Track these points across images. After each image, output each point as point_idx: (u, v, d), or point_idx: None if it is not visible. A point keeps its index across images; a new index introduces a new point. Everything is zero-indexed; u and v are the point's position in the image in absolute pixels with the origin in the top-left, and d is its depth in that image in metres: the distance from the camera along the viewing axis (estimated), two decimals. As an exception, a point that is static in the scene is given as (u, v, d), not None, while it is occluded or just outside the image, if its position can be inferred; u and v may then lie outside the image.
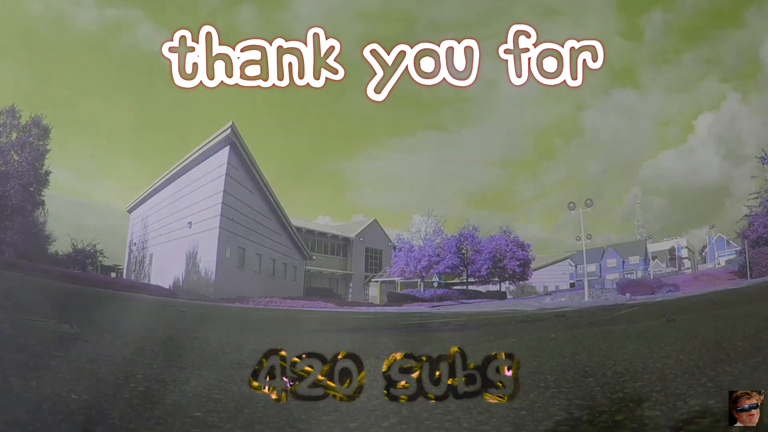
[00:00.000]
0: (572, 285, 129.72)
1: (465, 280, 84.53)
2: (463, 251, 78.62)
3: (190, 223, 41.39)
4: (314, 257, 70.97)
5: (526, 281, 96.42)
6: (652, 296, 46.26)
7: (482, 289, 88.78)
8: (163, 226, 49.38)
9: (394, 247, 75.85)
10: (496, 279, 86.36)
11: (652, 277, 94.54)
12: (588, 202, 49.98)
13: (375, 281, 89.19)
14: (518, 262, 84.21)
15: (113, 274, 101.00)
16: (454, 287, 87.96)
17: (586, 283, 50.99)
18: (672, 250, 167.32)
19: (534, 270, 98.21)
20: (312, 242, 78.34)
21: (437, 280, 62.57)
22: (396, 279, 79.43)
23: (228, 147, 38.77)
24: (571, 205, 50.56)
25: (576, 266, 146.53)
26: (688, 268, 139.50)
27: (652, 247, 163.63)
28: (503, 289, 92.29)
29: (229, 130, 37.88)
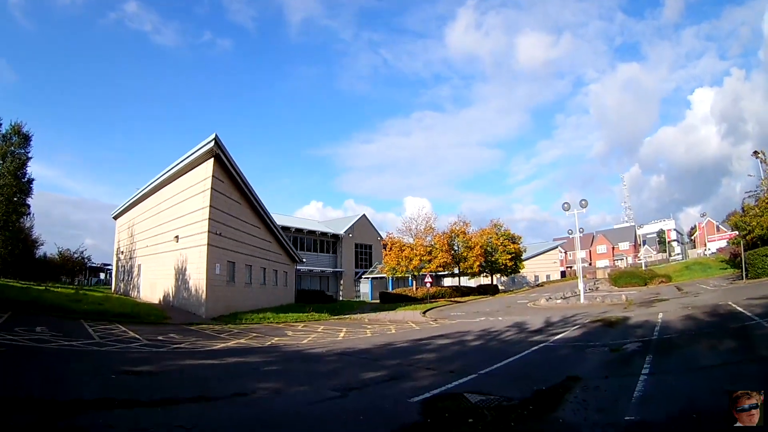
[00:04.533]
0: (563, 274, 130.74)
1: (458, 275, 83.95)
2: (455, 248, 77.44)
3: (177, 236, 40.61)
4: (304, 259, 69.87)
5: (518, 273, 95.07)
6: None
7: (473, 283, 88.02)
8: (150, 237, 48.63)
9: (385, 246, 74.21)
10: (487, 272, 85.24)
11: (644, 267, 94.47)
12: (583, 202, 49.36)
13: (366, 278, 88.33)
14: (510, 256, 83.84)
15: (102, 275, 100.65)
16: (446, 283, 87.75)
17: (581, 285, 49.88)
18: (660, 233, 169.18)
19: (526, 259, 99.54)
20: (302, 241, 77.84)
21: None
22: (386, 276, 78.36)
23: (212, 159, 37.81)
24: (565, 205, 49.92)
25: (566, 253, 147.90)
26: (678, 254, 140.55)
27: (640, 231, 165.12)
28: (495, 282, 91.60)
29: (212, 143, 36.93)
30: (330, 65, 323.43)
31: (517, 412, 10.32)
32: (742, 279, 48.86)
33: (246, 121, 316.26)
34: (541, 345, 21.02)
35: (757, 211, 54.53)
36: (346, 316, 44.54)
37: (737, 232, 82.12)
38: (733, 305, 27.92)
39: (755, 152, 60.08)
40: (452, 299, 71.32)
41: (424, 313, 47.27)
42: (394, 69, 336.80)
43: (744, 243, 54.14)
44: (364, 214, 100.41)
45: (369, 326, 35.09)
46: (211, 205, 37.24)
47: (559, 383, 12.84)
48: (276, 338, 26.76)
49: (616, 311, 34.82)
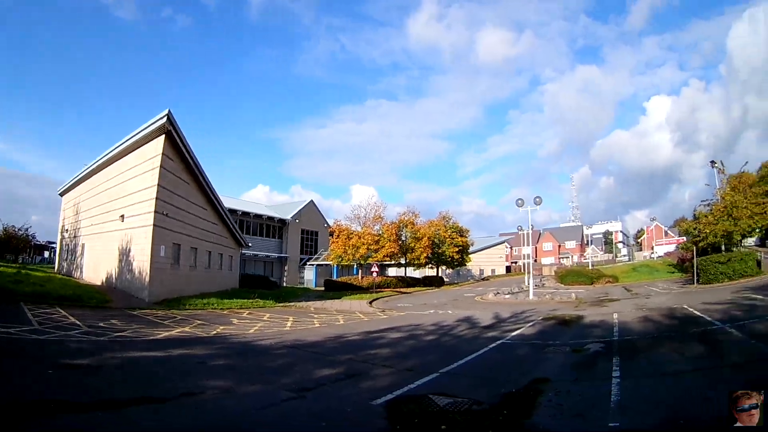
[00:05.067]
0: (508, 269, 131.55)
1: (404, 266, 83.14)
2: (403, 238, 76.94)
3: (122, 216, 39.15)
4: (250, 243, 68.57)
5: (464, 266, 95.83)
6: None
7: (418, 274, 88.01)
8: (96, 216, 46.64)
9: (332, 233, 72.87)
10: (433, 264, 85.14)
11: (591, 267, 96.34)
12: (537, 199, 49.36)
13: (311, 265, 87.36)
14: (457, 248, 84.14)
15: (47, 253, 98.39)
16: (391, 273, 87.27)
17: (531, 284, 49.92)
18: (607, 234, 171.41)
19: (473, 253, 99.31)
20: (248, 225, 76.67)
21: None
22: (332, 264, 78.04)
23: (163, 136, 36.31)
24: (519, 201, 49.91)
25: (512, 248, 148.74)
26: (624, 255, 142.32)
27: (587, 231, 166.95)
28: (440, 274, 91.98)
29: (164, 119, 35.40)
30: (289, 48, 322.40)
31: (491, 417, 9.74)
32: (693, 284, 49.26)
33: (199, 99, 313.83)
34: (499, 342, 20.50)
35: (711, 219, 55.20)
36: (291, 303, 43.33)
37: (685, 238, 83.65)
38: (690, 309, 27.85)
39: (712, 162, 61.98)
40: (398, 290, 71.09)
41: (371, 303, 47.05)
42: (352, 56, 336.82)
43: (696, 249, 54.81)
44: (311, 200, 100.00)
45: (316, 316, 34.12)
46: (159, 184, 35.69)
47: (528, 385, 12.41)
48: (221, 327, 25.60)
49: (568, 309, 34.85)
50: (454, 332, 24.53)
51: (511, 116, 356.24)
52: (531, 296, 48.02)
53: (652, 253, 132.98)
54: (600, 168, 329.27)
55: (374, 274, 63.47)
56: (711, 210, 57.37)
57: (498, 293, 54.63)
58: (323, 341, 21.74)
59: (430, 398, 11.08)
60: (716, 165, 59.48)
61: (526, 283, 57.09)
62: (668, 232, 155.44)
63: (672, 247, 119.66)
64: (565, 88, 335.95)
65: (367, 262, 70.38)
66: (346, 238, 69.60)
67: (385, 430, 8.98)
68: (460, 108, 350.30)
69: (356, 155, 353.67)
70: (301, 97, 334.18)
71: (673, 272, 75.12)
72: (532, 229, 58.95)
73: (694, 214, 76.61)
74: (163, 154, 36.29)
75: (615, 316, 28.03)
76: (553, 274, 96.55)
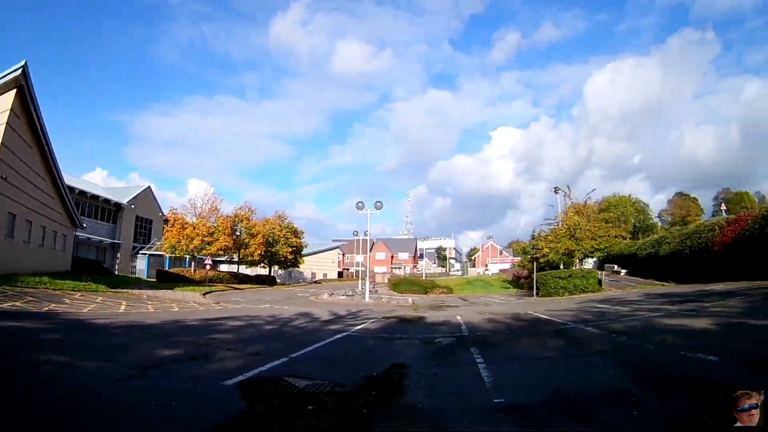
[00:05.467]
0: (340, 274, 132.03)
1: (236, 262, 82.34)
2: (238, 233, 76.11)
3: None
4: (85, 225, 64.95)
5: (297, 268, 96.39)
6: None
7: (251, 272, 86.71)
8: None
9: (166, 221, 69.84)
10: (266, 263, 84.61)
11: (424, 277, 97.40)
12: (378, 204, 49.38)
13: (144, 254, 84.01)
14: (291, 249, 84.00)
15: None
16: (223, 269, 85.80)
17: (368, 286, 49.77)
18: (440, 249, 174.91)
19: (306, 255, 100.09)
20: (83, 205, 71.90)
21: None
22: (165, 254, 74.96)
23: (15, 91, 32.96)
24: (359, 204, 49.68)
25: (344, 255, 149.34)
26: (458, 270, 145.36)
27: (421, 245, 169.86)
28: (273, 274, 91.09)
29: (19, 71, 32.12)
30: (150, 29, 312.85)
31: (361, 397, 9.13)
32: (533, 296, 50.63)
33: (48, 66, 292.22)
34: (344, 334, 19.78)
35: (552, 237, 57.93)
36: (124, 290, 40.66)
37: (521, 257, 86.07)
38: (536, 314, 27.99)
39: (556, 188, 66.86)
40: (230, 285, 69.77)
41: (204, 295, 45.93)
42: (209, 46, 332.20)
43: (536, 265, 56.17)
44: (149, 186, 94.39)
45: (150, 302, 32.35)
46: (2, 143, 32.58)
47: (389, 370, 11.90)
48: (53, 304, 23.52)
49: (407, 311, 34.51)
50: (294, 324, 23.53)
51: (356, 128, 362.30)
52: (367, 298, 47.80)
53: (486, 269, 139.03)
54: (437, 188, 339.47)
55: (207, 267, 62.50)
56: (554, 229, 59.88)
57: (333, 294, 54.31)
58: (161, 324, 20.48)
59: (286, 380, 10.34)
60: (562, 190, 63.55)
61: (360, 287, 57.96)
62: (503, 251, 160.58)
63: (507, 266, 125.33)
64: (414, 109, 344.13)
65: (201, 254, 68.64)
66: (180, 228, 67.27)
67: (245, 411, 8.06)
68: (307, 114, 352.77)
69: (197, 149, 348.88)
70: (151, 81, 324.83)
71: (507, 288, 77.07)
72: (368, 235, 59.79)
73: (533, 235, 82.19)
74: (11, 110, 32.97)
75: (458, 317, 27.69)
76: (386, 281, 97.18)
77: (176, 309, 29.07)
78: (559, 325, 21.55)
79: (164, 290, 46.00)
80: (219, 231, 70.20)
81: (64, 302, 25.57)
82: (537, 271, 52.76)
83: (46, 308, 21.82)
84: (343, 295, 52.87)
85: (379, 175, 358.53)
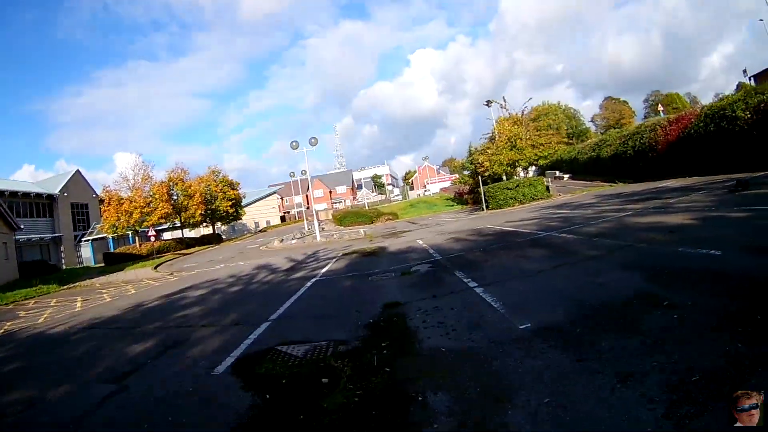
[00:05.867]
0: (282, 219, 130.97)
1: (180, 227, 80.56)
2: (175, 197, 73.86)
3: None
4: (22, 225, 62.43)
5: (239, 220, 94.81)
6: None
7: (195, 234, 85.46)
8: None
9: (102, 201, 67.53)
10: (209, 221, 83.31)
11: (367, 207, 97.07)
12: (312, 140, 48.06)
13: (86, 240, 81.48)
14: (230, 202, 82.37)
15: None
16: (168, 237, 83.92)
17: (316, 225, 48.75)
18: (375, 177, 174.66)
19: (246, 206, 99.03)
20: (17, 206, 69.30)
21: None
22: (107, 235, 72.52)
23: None
24: (293, 143, 48.22)
25: (283, 198, 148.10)
26: (397, 195, 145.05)
27: (356, 175, 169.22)
28: (217, 231, 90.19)
29: None
30: (52, 11, 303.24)
31: (375, 353, 8.33)
32: (483, 210, 50.72)
33: None
34: (314, 280, 18.95)
35: (493, 150, 56.65)
36: (75, 284, 38.50)
37: (457, 175, 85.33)
38: (498, 227, 27.72)
39: (488, 101, 63.67)
40: (179, 252, 67.30)
41: (156, 268, 43.74)
42: (113, 14, 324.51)
43: (481, 180, 56.38)
44: (77, 170, 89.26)
45: (104, 291, 30.33)
46: None
47: (384, 312, 11.16)
48: (8, 323, 21.55)
49: (363, 244, 33.74)
50: (259, 280, 22.47)
51: (273, 71, 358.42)
52: (318, 238, 46.69)
53: (426, 190, 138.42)
54: (363, 117, 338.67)
55: (152, 239, 60.56)
56: (494, 142, 58.64)
57: (283, 240, 53.27)
58: (122, 314, 18.66)
59: (281, 351, 9.24)
60: (496, 102, 61.67)
61: (307, 228, 59.32)
62: (440, 170, 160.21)
63: (446, 184, 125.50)
64: (328, 43, 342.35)
65: (143, 227, 66.47)
66: (117, 205, 64.76)
67: (255, 406, 6.80)
68: (221, 65, 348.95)
69: (118, 123, 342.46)
70: (59, 63, 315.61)
71: (452, 205, 77.50)
72: (308, 174, 59.39)
73: (469, 150, 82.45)
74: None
75: (420, 242, 27.21)
76: (330, 218, 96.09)
77: (132, 291, 27.43)
78: (530, 235, 21.37)
79: (115, 273, 44.19)
80: (156, 199, 67.90)
81: (19, 316, 23.71)
82: (483, 185, 53.06)
83: (2, 330, 19.86)
84: (293, 239, 51.99)
85: (303, 113, 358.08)
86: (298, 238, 52.48)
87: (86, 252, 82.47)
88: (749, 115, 32.75)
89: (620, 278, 10.37)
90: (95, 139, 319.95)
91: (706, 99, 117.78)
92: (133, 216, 64.05)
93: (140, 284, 30.90)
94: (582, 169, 65.40)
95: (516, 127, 56.38)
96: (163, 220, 70.15)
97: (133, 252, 65.06)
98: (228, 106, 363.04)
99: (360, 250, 28.41)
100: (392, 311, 11.02)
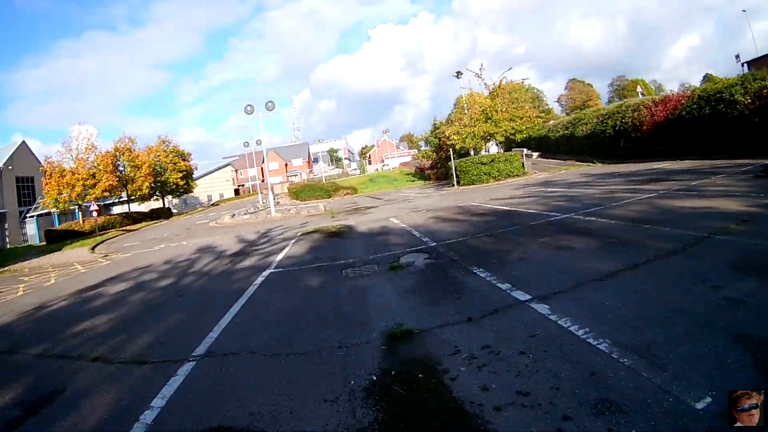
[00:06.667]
0: (236, 192, 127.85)
1: (127, 201, 75.51)
2: (121, 168, 69.30)
3: None
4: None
5: (191, 193, 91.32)
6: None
7: (145, 208, 79.83)
8: None
9: (45, 173, 62.68)
10: (159, 194, 79.17)
11: (324, 180, 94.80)
12: (269, 105, 44.11)
13: (31, 216, 76.50)
14: (181, 174, 78.64)
15: None
16: (117, 211, 79.44)
17: (272, 198, 45.01)
18: (332, 151, 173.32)
19: (198, 178, 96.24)
20: None
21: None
22: (52, 211, 67.18)
23: None
24: (248, 108, 44.22)
25: (237, 171, 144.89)
26: (355, 169, 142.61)
27: (313, 149, 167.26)
28: (167, 205, 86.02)
29: None
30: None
31: None
32: (454, 186, 47.61)
33: None
34: (268, 272, 14.62)
35: (467, 121, 52.79)
36: (6, 267, 34.27)
37: (417, 151, 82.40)
38: (487, 205, 24.11)
39: (458, 72, 59.07)
40: (124, 228, 61.96)
41: (94, 248, 39.08)
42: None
43: (450, 153, 52.75)
44: (23, 141, 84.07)
45: (27, 278, 25.99)
46: None
47: (391, 357, 6.72)
48: None
49: (325, 221, 29.75)
50: (197, 269, 18.02)
51: (233, 44, 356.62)
52: (273, 213, 42.53)
53: (384, 165, 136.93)
54: (321, 92, 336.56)
55: (94, 214, 55.51)
56: (467, 113, 54.83)
57: (235, 215, 49.73)
58: (14, 322, 13.83)
59: None
60: (469, 71, 56.65)
61: (261, 203, 55.65)
62: (399, 146, 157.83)
63: (406, 159, 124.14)
64: (289, 16, 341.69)
65: (86, 201, 61.18)
66: (59, 177, 59.85)
67: None
68: (180, 36, 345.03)
69: (76, 95, 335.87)
70: (15, 34, 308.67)
71: (413, 180, 75.73)
72: (262, 143, 56.65)
73: (434, 124, 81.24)
74: None
75: (395, 221, 23.38)
76: (285, 191, 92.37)
77: (52, 281, 22.81)
78: (541, 216, 17.57)
79: (52, 254, 39.61)
80: (100, 170, 63.03)
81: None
82: (454, 159, 49.57)
83: None
84: (245, 215, 48.30)
85: (261, 86, 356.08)
86: (251, 213, 48.92)
87: (31, 229, 77.63)
88: (749, 100, 31.04)
89: (759, 290, 7.02)
90: (53, 112, 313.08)
91: (671, 87, 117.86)
92: (75, 189, 59.45)
93: (67, 270, 26.48)
94: (553, 147, 63.35)
95: (491, 98, 51.93)
96: (107, 194, 64.92)
97: (76, 229, 59.61)
98: (186, 79, 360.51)
99: (322, 229, 24.42)
100: (407, 353, 6.68)
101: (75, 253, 36.50)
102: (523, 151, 53.47)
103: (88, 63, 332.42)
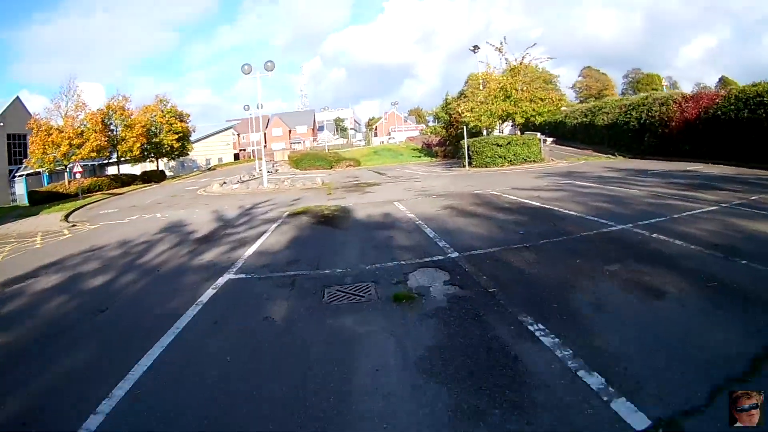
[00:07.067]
0: (236, 157, 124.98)
1: (117, 162, 72.52)
2: (112, 127, 66.51)
3: None
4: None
5: (187, 156, 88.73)
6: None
7: (138, 170, 76.54)
8: None
9: (21, 135, 58.96)
10: (153, 156, 75.94)
11: (327, 150, 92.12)
12: (268, 64, 40.87)
13: (20, 176, 73.12)
14: (177, 136, 75.60)
15: None
16: (110, 172, 76.59)
17: (264, 169, 41.72)
18: (338, 120, 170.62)
19: (196, 141, 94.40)
20: None
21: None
22: (40, 171, 63.18)
23: None
24: (245, 67, 40.95)
25: (239, 135, 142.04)
26: (360, 140, 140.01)
27: (319, 116, 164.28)
28: (162, 168, 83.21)
29: None
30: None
31: None
32: (464, 167, 44.44)
33: None
34: (222, 284, 10.81)
35: (483, 98, 48.56)
36: None
37: (424, 126, 79.68)
38: (511, 197, 20.62)
39: (475, 47, 56.95)
40: (111, 191, 59.01)
41: (68, 215, 35.27)
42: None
43: (465, 131, 47.60)
44: (17, 97, 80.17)
45: None
46: None
47: None
48: None
49: (320, 199, 27.14)
50: (145, 260, 14.61)
51: (245, 6, 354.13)
52: (265, 184, 40.05)
53: (390, 138, 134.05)
54: (332, 60, 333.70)
55: (77, 176, 51.85)
56: (484, 88, 50.63)
57: (225, 183, 46.85)
58: None
59: None
60: (493, 44, 51.81)
61: (258, 170, 50.80)
62: (407, 119, 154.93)
63: (414, 133, 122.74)
64: None
65: (71, 161, 56.89)
66: (45, 135, 56.11)
67: None
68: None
69: (84, 53, 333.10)
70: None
71: (419, 156, 74.39)
72: (260, 105, 54.43)
73: (446, 99, 78.41)
74: None
75: (401, 207, 20.08)
76: (286, 159, 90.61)
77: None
78: (590, 225, 13.67)
79: (30, 218, 36.49)
80: (89, 129, 59.47)
81: None
82: (467, 138, 45.51)
83: None
84: (237, 183, 45.74)
85: (269, 51, 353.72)
86: (243, 182, 46.62)
87: (20, 188, 74.38)
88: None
89: None
90: (62, 70, 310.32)
91: (685, 87, 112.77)
92: (61, 149, 55.74)
93: (24, 243, 22.86)
94: (569, 134, 60.12)
95: (511, 75, 47.87)
96: (95, 154, 60.73)
97: (61, 190, 56.29)
98: (196, 40, 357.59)
99: (314, 210, 21.68)
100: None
101: (47, 220, 33.29)
102: (535, 135, 49.93)
103: (98, 21, 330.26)
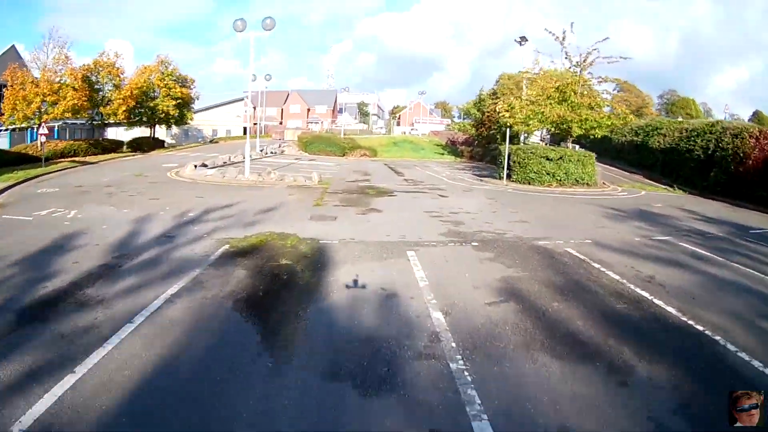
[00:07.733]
0: (245, 130, 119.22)
1: (101, 124, 65.18)
2: (98, 87, 58.71)
3: None
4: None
5: (188, 125, 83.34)
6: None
7: (129, 135, 69.39)
8: None
9: (3, 86, 51.52)
10: (146, 122, 68.04)
11: (342, 135, 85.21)
12: (268, 22, 37.61)
13: (5, 131, 65.82)
14: (175, 102, 67.36)
15: None
16: (106, 134, 70.28)
17: (247, 150, 34.18)
18: (362, 104, 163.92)
19: (203, 110, 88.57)
20: None
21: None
22: (9, 129, 55.51)
23: None
24: (237, 23, 37.89)
25: (255, 108, 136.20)
26: (381, 128, 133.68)
27: (341, 98, 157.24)
28: (163, 136, 78.88)
29: None
30: None
31: None
32: (500, 179, 36.45)
33: None
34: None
35: (534, 97, 38.56)
36: None
37: (449, 121, 74.58)
38: (602, 267, 12.71)
39: (522, 38, 49.52)
40: (82, 159, 50.48)
41: (10, 187, 28.22)
42: None
43: (507, 133, 38.99)
44: (13, 46, 69.65)
45: None
46: None
47: None
48: None
49: (299, 215, 20.17)
50: None
51: None
52: (246, 174, 32.89)
53: (413, 129, 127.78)
54: (362, 44, 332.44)
55: (42, 139, 43.29)
56: (533, 84, 40.94)
57: (205, 165, 38.09)
58: None
59: None
60: (552, 32, 41.38)
61: (259, 149, 51.63)
62: (432, 112, 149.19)
63: (439, 127, 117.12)
64: None
65: (44, 120, 49.28)
66: (19, 88, 48.59)
67: None
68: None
69: (115, 10, 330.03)
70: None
71: (442, 153, 69.99)
72: (252, 70, 53.50)
73: (480, 95, 70.28)
74: None
75: (419, 273, 11.60)
76: (296, 139, 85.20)
77: None
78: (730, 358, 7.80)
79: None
80: (67, 86, 51.64)
81: None
82: (508, 143, 37.47)
83: None
84: (216, 167, 37.90)
85: (302, 28, 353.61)
86: (224, 166, 39.50)
87: (3, 144, 67.00)
88: None
89: None
90: (91, 25, 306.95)
91: (717, 116, 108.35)
92: (32, 106, 48.71)
93: None
94: (613, 152, 52.03)
95: (572, 74, 38.32)
96: (69, 114, 53.76)
97: (29, 153, 47.96)
98: (229, 8, 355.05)
99: (269, 251, 13.51)
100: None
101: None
102: (574, 148, 41.50)
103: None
